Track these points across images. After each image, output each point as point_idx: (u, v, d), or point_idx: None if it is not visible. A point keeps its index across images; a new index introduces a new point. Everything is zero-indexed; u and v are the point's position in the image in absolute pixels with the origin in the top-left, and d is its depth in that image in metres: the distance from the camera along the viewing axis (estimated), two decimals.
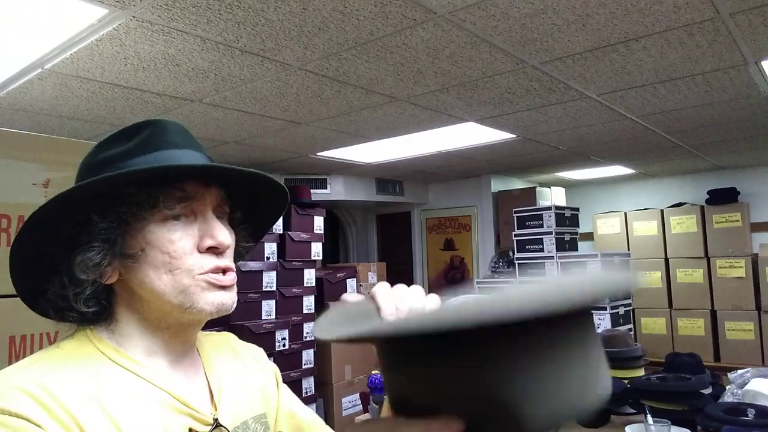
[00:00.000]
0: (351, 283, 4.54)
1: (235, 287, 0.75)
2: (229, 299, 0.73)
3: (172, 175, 0.69)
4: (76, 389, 0.63)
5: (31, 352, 1.14)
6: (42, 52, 1.83)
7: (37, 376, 0.62)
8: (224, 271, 0.72)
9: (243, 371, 0.85)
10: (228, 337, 0.92)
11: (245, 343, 0.93)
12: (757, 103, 2.79)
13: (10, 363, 1.11)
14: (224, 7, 1.57)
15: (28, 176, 1.18)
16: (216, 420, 0.73)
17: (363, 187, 4.94)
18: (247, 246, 0.83)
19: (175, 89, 2.26)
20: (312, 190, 4.35)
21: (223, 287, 0.72)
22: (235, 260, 0.78)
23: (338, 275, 4.44)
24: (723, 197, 4.68)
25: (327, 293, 4.33)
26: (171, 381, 0.71)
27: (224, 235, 0.72)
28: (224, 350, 0.87)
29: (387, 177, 5.06)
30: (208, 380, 0.78)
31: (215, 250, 0.72)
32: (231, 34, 1.75)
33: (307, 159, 3.90)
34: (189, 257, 0.70)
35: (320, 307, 4.26)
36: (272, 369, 0.92)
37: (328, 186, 4.64)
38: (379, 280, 4.82)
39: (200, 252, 0.71)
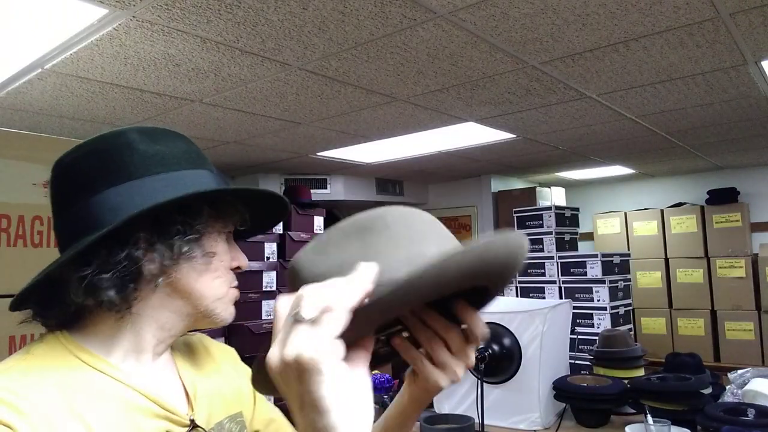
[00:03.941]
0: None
1: None
2: (234, 313, 0.78)
3: (239, 195, 0.78)
4: (49, 395, 0.61)
5: None
6: (42, 52, 1.83)
7: (7, 384, 0.61)
8: (237, 288, 0.78)
9: (216, 371, 0.85)
10: (200, 338, 0.92)
11: (218, 343, 0.93)
12: (757, 103, 2.79)
13: None
14: (224, 7, 1.57)
15: (28, 176, 1.18)
16: (192, 420, 0.72)
17: (363, 187, 4.94)
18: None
19: (175, 89, 2.26)
20: (312, 190, 4.35)
21: (234, 304, 0.78)
22: None
23: None
24: (723, 197, 4.68)
25: None
26: (147, 383, 0.70)
27: (245, 259, 0.79)
28: (197, 351, 0.87)
29: (387, 177, 5.06)
30: (182, 381, 0.77)
31: (237, 270, 0.78)
32: (231, 34, 1.75)
33: (307, 159, 3.90)
34: (228, 271, 0.76)
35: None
36: (245, 371, 0.91)
37: (328, 186, 4.64)
38: None
39: (230, 269, 0.77)
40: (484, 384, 1.90)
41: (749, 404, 1.85)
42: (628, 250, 4.87)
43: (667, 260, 4.87)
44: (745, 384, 2.07)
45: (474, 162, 4.37)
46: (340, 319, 0.45)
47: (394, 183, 5.26)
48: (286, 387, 0.47)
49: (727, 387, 2.15)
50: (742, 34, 1.89)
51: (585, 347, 3.46)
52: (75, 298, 0.65)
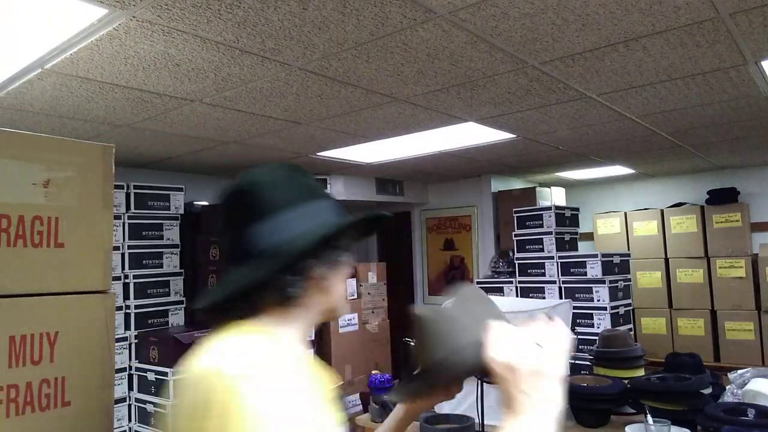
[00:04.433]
0: (351, 282, 4.54)
1: None
2: None
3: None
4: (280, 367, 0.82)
5: (31, 352, 1.15)
6: (42, 52, 1.83)
7: (250, 363, 0.78)
8: None
9: None
10: None
11: None
12: (757, 103, 2.79)
13: (10, 363, 1.12)
14: (224, 7, 1.57)
15: (28, 176, 1.18)
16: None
17: (363, 187, 4.94)
18: None
19: (175, 89, 2.26)
20: None
21: None
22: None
23: None
24: (723, 197, 4.68)
25: None
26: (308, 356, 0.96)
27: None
28: None
29: (387, 177, 5.06)
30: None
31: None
32: (231, 34, 1.75)
33: (307, 159, 3.90)
34: (344, 283, 1.00)
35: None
36: None
37: (328, 186, 4.64)
38: (378, 280, 4.82)
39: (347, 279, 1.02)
40: (484, 384, 1.90)
41: (749, 404, 1.85)
42: (628, 250, 4.87)
43: (667, 260, 4.87)
44: (745, 384, 2.07)
45: (474, 162, 4.37)
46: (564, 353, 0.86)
47: (394, 183, 5.26)
48: (524, 383, 0.80)
49: (727, 387, 2.15)
50: (742, 34, 1.89)
51: (585, 347, 3.46)
52: (267, 294, 0.88)
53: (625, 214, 5.16)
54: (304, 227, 0.90)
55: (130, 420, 3.35)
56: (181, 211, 3.70)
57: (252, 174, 0.93)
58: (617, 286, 3.84)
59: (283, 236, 0.89)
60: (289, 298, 0.88)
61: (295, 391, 0.80)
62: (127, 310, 3.40)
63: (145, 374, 3.28)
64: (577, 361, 2.93)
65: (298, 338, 0.93)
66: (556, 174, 5.09)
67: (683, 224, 4.81)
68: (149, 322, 3.48)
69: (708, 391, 2.08)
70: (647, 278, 4.93)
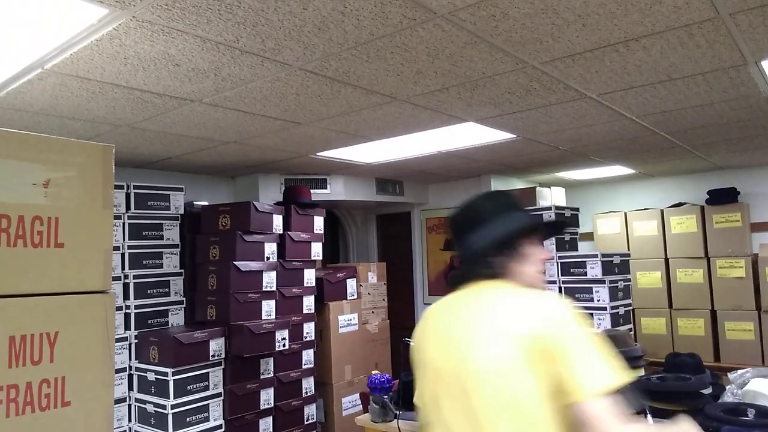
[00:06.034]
0: (351, 283, 4.54)
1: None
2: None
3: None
4: None
5: (31, 352, 1.15)
6: (42, 52, 1.83)
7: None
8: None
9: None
10: None
11: None
12: (757, 103, 2.79)
13: (9, 363, 1.11)
14: (224, 7, 1.57)
15: (28, 176, 1.17)
16: None
17: (363, 187, 4.94)
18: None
19: (175, 89, 2.26)
20: (312, 190, 4.35)
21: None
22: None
23: (338, 275, 4.44)
24: (723, 197, 4.68)
25: (327, 293, 4.33)
26: None
27: (547, 254, 1.58)
28: None
29: (387, 177, 5.06)
30: None
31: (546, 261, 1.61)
32: (231, 34, 1.75)
33: (307, 159, 3.90)
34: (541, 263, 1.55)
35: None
36: None
37: (328, 186, 4.64)
38: (379, 280, 4.82)
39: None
40: None
41: (749, 404, 1.85)
42: (628, 250, 4.87)
43: (667, 260, 4.87)
44: (745, 384, 2.07)
45: (474, 162, 4.37)
46: None
47: (394, 183, 5.26)
48: None
49: (727, 387, 2.15)
50: (742, 34, 1.89)
51: None
52: (497, 262, 1.47)
53: (625, 214, 5.16)
54: (512, 226, 1.49)
55: (130, 420, 3.35)
56: (181, 211, 3.70)
57: (471, 200, 1.58)
58: (617, 286, 3.84)
59: (494, 234, 1.47)
60: (506, 266, 1.45)
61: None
62: (127, 310, 3.40)
63: (145, 374, 3.28)
64: None
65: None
66: (556, 174, 5.09)
67: (683, 224, 4.81)
68: (149, 322, 3.48)
69: (708, 391, 2.08)
70: (647, 278, 4.93)
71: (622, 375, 1.22)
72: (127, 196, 3.48)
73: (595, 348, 1.24)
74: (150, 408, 3.22)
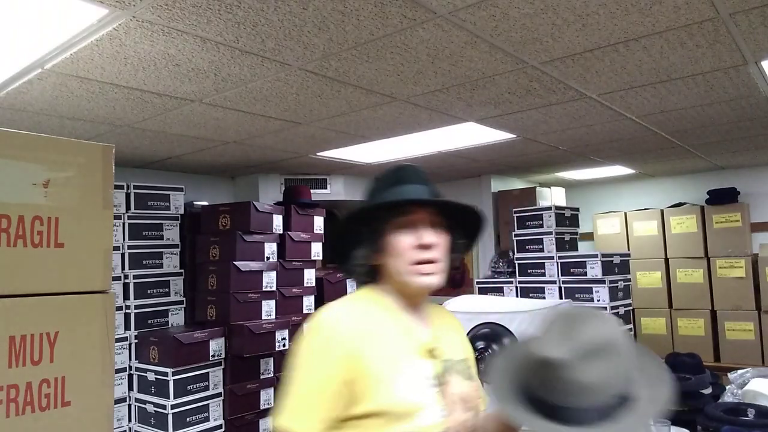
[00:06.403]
0: (351, 283, 4.54)
1: (440, 273, 1.21)
2: (430, 281, 1.19)
3: (401, 204, 1.21)
4: (356, 319, 1.18)
5: (31, 352, 1.15)
6: (42, 52, 1.83)
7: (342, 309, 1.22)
8: (429, 261, 1.18)
9: (452, 330, 1.35)
10: (445, 309, 1.46)
11: (454, 317, 1.43)
12: (757, 103, 2.79)
13: (9, 363, 1.11)
14: (224, 7, 1.57)
15: (28, 176, 1.17)
16: (434, 348, 1.20)
17: (363, 187, 4.93)
18: (460, 243, 1.30)
19: (175, 89, 2.26)
20: (312, 190, 4.35)
21: (425, 274, 1.18)
22: (452, 253, 1.26)
23: (338, 275, 4.44)
24: (723, 197, 4.67)
25: (327, 293, 4.32)
26: (409, 320, 1.23)
27: (428, 237, 1.18)
28: (442, 315, 1.37)
29: None
30: (432, 328, 1.26)
31: (423, 247, 1.18)
32: (231, 34, 1.75)
33: (307, 159, 3.90)
34: (407, 252, 1.18)
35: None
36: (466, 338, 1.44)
37: (328, 186, 4.64)
38: None
39: (414, 248, 1.18)
40: (485, 384, 1.90)
41: (749, 404, 1.85)
42: (628, 250, 4.87)
43: (667, 260, 4.87)
44: (745, 384, 2.07)
45: (474, 162, 4.37)
46: None
47: None
48: None
49: (727, 387, 2.15)
50: (742, 34, 1.89)
51: None
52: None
53: (625, 214, 5.15)
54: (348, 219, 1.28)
55: (130, 420, 3.35)
56: (181, 211, 3.70)
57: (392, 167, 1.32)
58: (617, 287, 3.84)
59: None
60: (368, 268, 1.26)
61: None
62: (127, 310, 3.40)
63: (145, 374, 3.28)
64: None
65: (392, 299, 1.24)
66: (556, 174, 5.08)
67: (683, 224, 4.81)
68: (149, 322, 3.48)
69: (708, 391, 2.08)
70: (647, 278, 4.93)
71: (283, 418, 1.10)
72: (127, 196, 3.48)
73: (290, 383, 1.14)
74: (150, 408, 3.22)
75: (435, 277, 1.19)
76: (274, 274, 3.69)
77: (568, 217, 4.29)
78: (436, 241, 1.19)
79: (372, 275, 1.25)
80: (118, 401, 3.27)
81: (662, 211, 4.96)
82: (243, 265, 3.51)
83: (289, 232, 3.90)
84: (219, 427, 3.35)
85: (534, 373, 1.02)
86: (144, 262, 3.51)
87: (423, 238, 1.17)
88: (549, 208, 4.19)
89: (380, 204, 1.22)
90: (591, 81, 2.35)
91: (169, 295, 3.61)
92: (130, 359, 3.37)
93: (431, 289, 1.20)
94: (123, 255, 3.43)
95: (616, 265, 3.99)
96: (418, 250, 1.17)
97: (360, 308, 1.21)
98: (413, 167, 1.29)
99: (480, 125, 3.07)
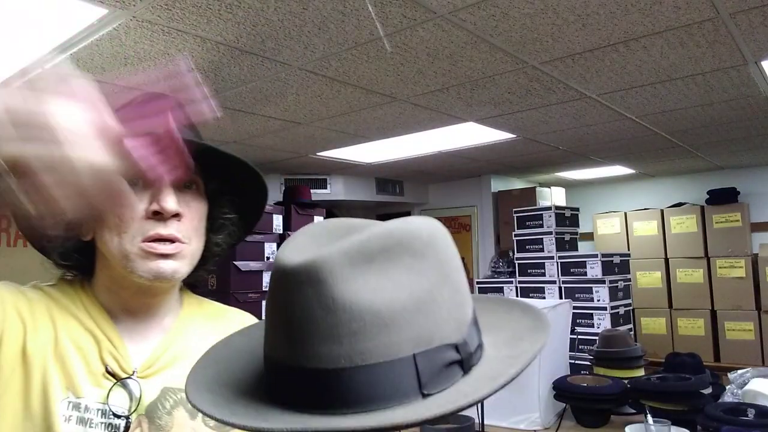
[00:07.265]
0: None
1: (183, 256, 0.76)
2: (167, 268, 0.73)
3: None
4: (44, 310, 0.74)
5: None
6: (42, 52, 1.83)
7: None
8: (168, 239, 0.73)
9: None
10: (234, 316, 0.95)
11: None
12: (757, 103, 2.79)
13: None
14: (224, 7, 1.57)
15: None
16: (134, 372, 0.75)
17: (363, 187, 4.94)
18: (229, 217, 0.88)
19: None
20: (312, 190, 4.35)
21: (162, 255, 0.73)
22: (216, 232, 0.86)
23: None
24: (723, 197, 4.67)
25: None
26: (114, 333, 0.76)
27: (170, 202, 0.73)
28: (211, 326, 0.89)
29: (387, 177, 5.06)
30: (160, 345, 0.80)
31: (159, 217, 0.73)
32: (231, 34, 1.75)
33: (307, 159, 3.90)
34: (135, 222, 0.72)
35: None
36: None
37: (328, 186, 4.64)
38: None
39: (146, 218, 0.72)
40: None
41: (749, 404, 1.85)
42: (628, 250, 4.86)
43: (667, 260, 4.87)
44: (745, 384, 2.07)
45: (474, 162, 4.37)
46: None
47: (394, 183, 5.26)
48: None
49: (727, 387, 2.15)
50: (742, 34, 1.89)
51: (585, 347, 3.45)
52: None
53: (625, 214, 5.15)
54: None
55: None
56: None
57: None
58: (617, 286, 3.84)
59: None
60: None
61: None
62: None
63: None
64: (577, 361, 2.93)
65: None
66: (556, 174, 5.08)
67: (683, 224, 4.81)
68: None
69: (708, 391, 2.08)
70: (647, 278, 4.93)
71: None
72: None
73: None
74: None
75: (175, 263, 0.74)
76: None
77: (568, 217, 4.29)
78: (182, 210, 0.75)
79: (84, 259, 0.79)
80: None
81: (662, 211, 4.96)
82: (243, 265, 3.50)
83: (289, 232, 3.90)
84: None
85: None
86: None
87: (161, 202, 0.72)
88: (549, 208, 4.19)
89: None
90: (591, 81, 2.35)
91: None
92: None
93: (170, 282, 0.77)
94: None
95: (616, 265, 3.99)
96: (152, 220, 0.73)
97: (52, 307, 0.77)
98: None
99: (480, 125, 3.07)
